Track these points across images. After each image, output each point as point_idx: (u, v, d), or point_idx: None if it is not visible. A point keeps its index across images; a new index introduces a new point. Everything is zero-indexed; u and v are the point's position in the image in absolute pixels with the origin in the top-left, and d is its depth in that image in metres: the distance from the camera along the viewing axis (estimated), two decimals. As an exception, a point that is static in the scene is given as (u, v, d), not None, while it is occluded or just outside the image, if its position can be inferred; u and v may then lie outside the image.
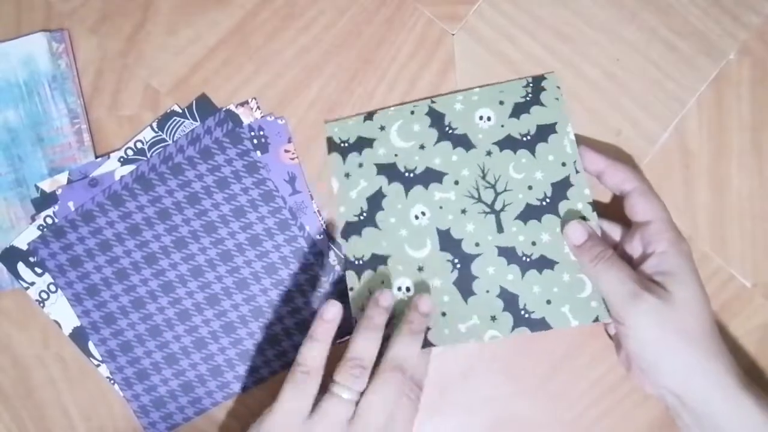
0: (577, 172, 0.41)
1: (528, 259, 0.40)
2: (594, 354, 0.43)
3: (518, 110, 0.42)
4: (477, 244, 0.41)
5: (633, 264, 0.38)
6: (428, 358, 0.41)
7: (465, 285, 0.41)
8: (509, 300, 0.40)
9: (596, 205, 0.40)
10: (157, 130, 0.44)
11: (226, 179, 0.43)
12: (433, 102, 0.43)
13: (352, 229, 0.42)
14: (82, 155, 0.44)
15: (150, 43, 0.45)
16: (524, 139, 0.42)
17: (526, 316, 0.40)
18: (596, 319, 0.39)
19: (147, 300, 0.43)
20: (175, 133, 0.44)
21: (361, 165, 0.42)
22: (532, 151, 0.41)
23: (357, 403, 0.36)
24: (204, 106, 0.44)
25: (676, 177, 0.43)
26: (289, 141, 0.44)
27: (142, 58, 0.45)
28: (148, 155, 0.44)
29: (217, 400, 0.43)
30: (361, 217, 0.42)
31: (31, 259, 0.43)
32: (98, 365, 0.43)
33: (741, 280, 0.43)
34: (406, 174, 0.42)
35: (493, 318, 0.40)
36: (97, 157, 0.44)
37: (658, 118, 0.43)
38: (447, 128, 0.42)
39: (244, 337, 0.43)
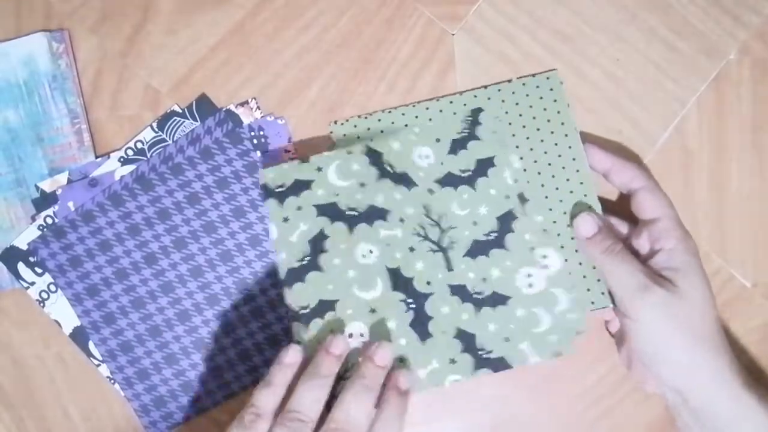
0: (522, 210, 0.40)
1: (480, 296, 0.40)
2: (594, 354, 0.43)
3: (456, 147, 0.41)
4: (428, 283, 0.40)
5: (641, 258, 0.38)
6: (400, 419, 0.36)
7: (421, 326, 0.40)
8: (467, 340, 0.39)
9: (602, 202, 0.40)
10: (157, 130, 0.44)
11: (226, 179, 0.43)
12: (370, 141, 0.41)
13: (295, 275, 0.40)
14: (82, 155, 0.44)
15: (150, 43, 0.45)
16: (464, 175, 0.41)
17: (485, 356, 0.39)
18: (557, 354, 0.39)
19: (147, 300, 0.43)
20: (175, 133, 0.44)
21: (300, 208, 0.41)
22: (473, 187, 0.41)
23: None
24: (204, 106, 0.44)
25: (676, 177, 0.43)
26: (289, 141, 0.44)
27: (142, 58, 0.45)
28: (148, 155, 0.44)
29: (217, 400, 0.43)
30: (304, 262, 0.40)
31: (31, 259, 0.43)
32: (98, 365, 0.43)
33: (741, 280, 0.43)
34: (349, 213, 0.40)
35: (453, 361, 0.39)
36: (97, 157, 0.44)
37: (658, 118, 0.44)
38: (387, 167, 0.41)
39: (244, 336, 0.43)
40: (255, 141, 0.44)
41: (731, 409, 0.35)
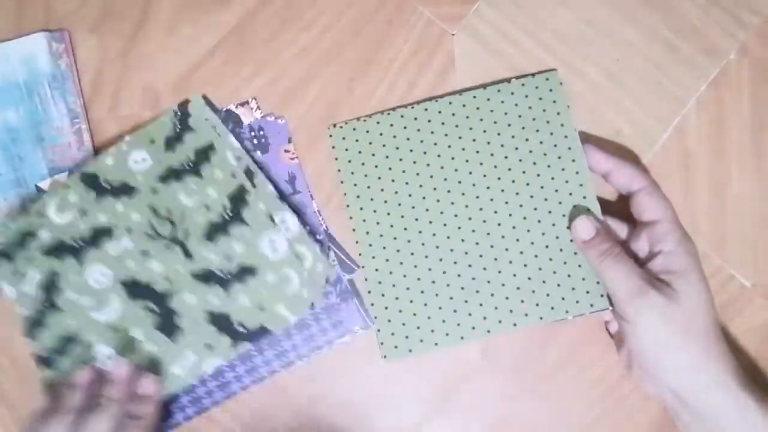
0: (252, 183, 0.41)
1: (229, 275, 0.41)
2: (594, 354, 0.43)
3: (171, 143, 0.43)
4: (169, 280, 0.41)
5: (639, 262, 0.38)
6: (146, 427, 0.39)
7: (168, 325, 0.41)
8: (221, 322, 0.41)
9: (601, 204, 0.40)
10: (157, 130, 0.44)
11: (225, 179, 0.43)
12: (84, 168, 0.43)
13: (35, 323, 0.42)
14: (82, 155, 0.44)
15: (150, 43, 0.45)
16: (186, 166, 0.42)
17: (243, 330, 0.41)
18: (312, 306, 0.40)
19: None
20: (175, 133, 0.44)
21: (29, 259, 0.42)
22: (198, 174, 0.42)
23: None
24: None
25: (676, 177, 0.43)
26: (289, 141, 0.44)
27: (142, 58, 0.45)
28: (148, 155, 0.44)
29: (217, 400, 0.43)
30: (41, 307, 0.42)
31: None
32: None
33: (741, 280, 0.43)
34: (76, 244, 0.42)
35: (209, 346, 0.41)
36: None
37: (658, 118, 0.43)
38: (104, 184, 0.42)
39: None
40: (255, 141, 0.44)
41: (730, 411, 0.35)
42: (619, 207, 0.42)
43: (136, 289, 0.41)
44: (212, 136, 0.42)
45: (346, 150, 0.43)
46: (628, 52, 0.44)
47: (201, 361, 0.41)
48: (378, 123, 0.43)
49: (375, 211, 0.42)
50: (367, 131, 0.43)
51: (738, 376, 0.36)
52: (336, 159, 0.43)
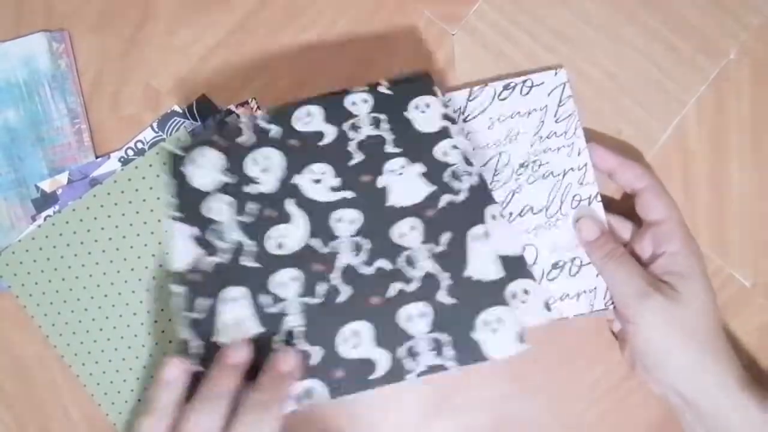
0: None
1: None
2: (594, 354, 0.43)
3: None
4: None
5: (643, 262, 0.38)
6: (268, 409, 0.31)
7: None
8: None
9: (606, 202, 0.40)
10: (157, 130, 0.44)
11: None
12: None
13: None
14: (82, 155, 0.44)
15: (150, 43, 0.45)
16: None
17: None
18: None
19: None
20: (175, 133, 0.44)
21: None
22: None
23: None
24: (204, 106, 0.44)
25: (676, 177, 0.43)
26: (289, 141, 0.44)
27: (142, 58, 0.45)
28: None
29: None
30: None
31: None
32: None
33: (741, 280, 0.43)
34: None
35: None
36: (97, 157, 0.44)
37: (658, 118, 0.43)
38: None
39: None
40: (255, 141, 0.44)
41: (732, 412, 0.35)
42: (624, 206, 0.42)
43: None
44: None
45: (17, 275, 0.42)
46: (628, 52, 0.44)
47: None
48: (33, 239, 0.42)
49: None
50: (27, 250, 0.42)
51: (740, 377, 0.36)
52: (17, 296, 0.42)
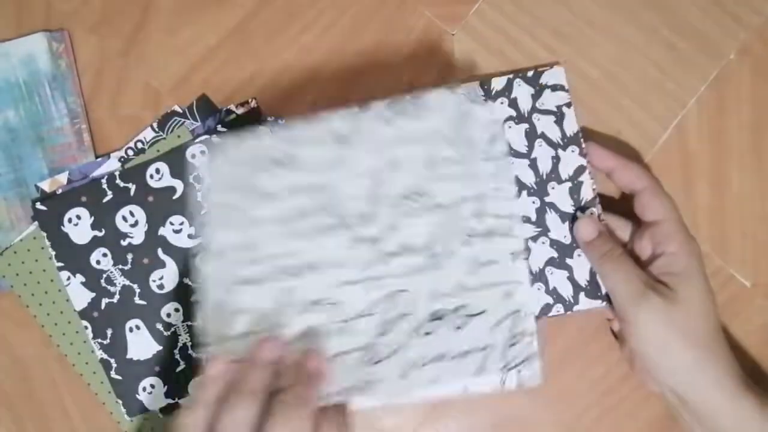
0: None
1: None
2: (594, 354, 0.43)
3: None
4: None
5: (642, 263, 0.38)
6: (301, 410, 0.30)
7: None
8: None
9: (605, 202, 0.40)
10: (157, 130, 0.44)
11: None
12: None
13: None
14: (82, 155, 0.44)
15: (150, 43, 0.45)
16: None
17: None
18: None
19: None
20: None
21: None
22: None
23: None
24: (204, 106, 0.44)
25: (676, 177, 0.43)
26: (289, 141, 0.44)
27: (142, 58, 0.45)
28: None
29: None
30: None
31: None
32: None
33: (741, 280, 0.43)
34: None
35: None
36: (97, 157, 0.44)
37: (658, 118, 0.43)
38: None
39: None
40: (255, 141, 0.44)
41: (729, 413, 0.35)
42: (623, 206, 0.42)
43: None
44: None
45: (19, 275, 0.43)
46: (628, 52, 0.44)
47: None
48: (35, 239, 0.43)
49: None
50: (29, 249, 0.43)
51: (737, 377, 0.36)
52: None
